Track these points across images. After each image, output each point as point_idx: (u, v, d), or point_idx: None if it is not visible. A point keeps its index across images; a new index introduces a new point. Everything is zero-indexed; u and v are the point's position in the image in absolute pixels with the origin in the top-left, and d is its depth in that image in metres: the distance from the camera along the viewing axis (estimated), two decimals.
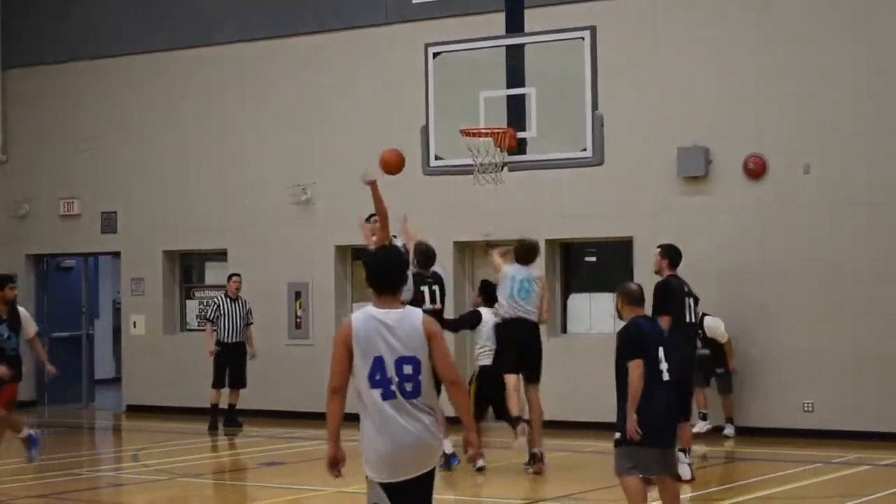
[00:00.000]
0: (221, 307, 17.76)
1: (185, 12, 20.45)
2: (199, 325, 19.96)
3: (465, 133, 13.21)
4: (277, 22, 19.50)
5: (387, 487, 6.28)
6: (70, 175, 21.38)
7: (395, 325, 6.30)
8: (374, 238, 12.79)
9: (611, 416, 9.10)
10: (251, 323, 17.90)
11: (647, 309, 9.53)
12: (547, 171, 14.99)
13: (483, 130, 13.24)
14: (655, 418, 8.86)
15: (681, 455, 11.74)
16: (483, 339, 13.39)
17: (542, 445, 13.20)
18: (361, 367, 6.26)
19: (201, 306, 20.24)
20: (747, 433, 15.81)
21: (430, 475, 6.38)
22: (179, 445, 16.53)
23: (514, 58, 13.57)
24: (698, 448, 13.79)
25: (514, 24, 14.46)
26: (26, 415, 20.54)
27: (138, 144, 20.77)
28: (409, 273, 12.61)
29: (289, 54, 19.36)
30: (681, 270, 12.57)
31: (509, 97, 13.39)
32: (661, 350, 9.02)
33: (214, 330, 17.71)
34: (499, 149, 13.24)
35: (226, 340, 17.67)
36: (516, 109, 13.36)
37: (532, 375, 13.30)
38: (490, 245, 15.04)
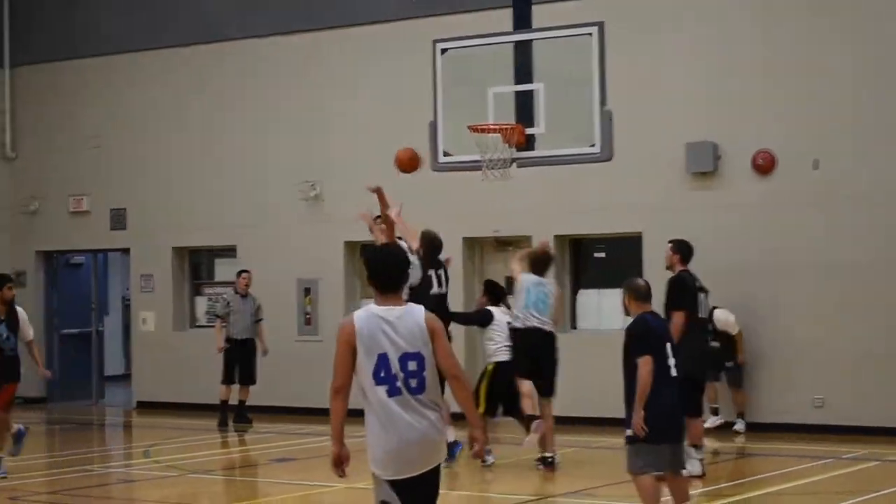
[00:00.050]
0: (231, 304, 17.79)
1: (192, 9, 20.46)
2: (208, 322, 19.98)
3: (474, 129, 13.27)
4: (286, 19, 19.50)
5: (394, 485, 6.28)
6: (79, 172, 21.41)
7: (397, 321, 6.30)
8: (383, 238, 12.81)
9: (620, 412, 9.10)
10: (261, 319, 17.92)
11: (655, 305, 9.51)
12: (555, 167, 15.03)
13: (491, 126, 13.30)
14: (663, 414, 8.87)
15: (691, 450, 11.76)
16: (498, 337, 13.35)
17: (555, 445, 13.22)
18: (366, 365, 6.26)
19: (210, 303, 20.27)
20: (758, 428, 15.80)
21: (436, 471, 6.38)
22: (190, 442, 16.55)
23: (523, 54, 13.62)
24: (709, 443, 13.77)
25: (522, 21, 14.53)
26: (36, 411, 20.68)
27: (147, 141, 20.78)
28: (415, 260, 12.70)
29: (297, 51, 19.36)
30: (690, 265, 12.56)
31: (517, 93, 13.47)
32: (668, 346, 9.04)
33: (224, 326, 17.74)
34: (507, 145, 13.31)
35: (235, 337, 17.69)
36: (524, 105, 13.43)
37: (546, 388, 13.21)
38: (498, 241, 15.06)
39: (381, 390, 6.23)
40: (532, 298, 13.16)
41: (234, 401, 17.76)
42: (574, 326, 17.43)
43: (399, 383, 6.23)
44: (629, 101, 15.36)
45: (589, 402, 15.88)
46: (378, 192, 13.01)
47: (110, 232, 21.19)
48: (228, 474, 14.47)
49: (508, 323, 13.38)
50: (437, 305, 12.72)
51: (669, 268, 12.48)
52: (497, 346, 13.33)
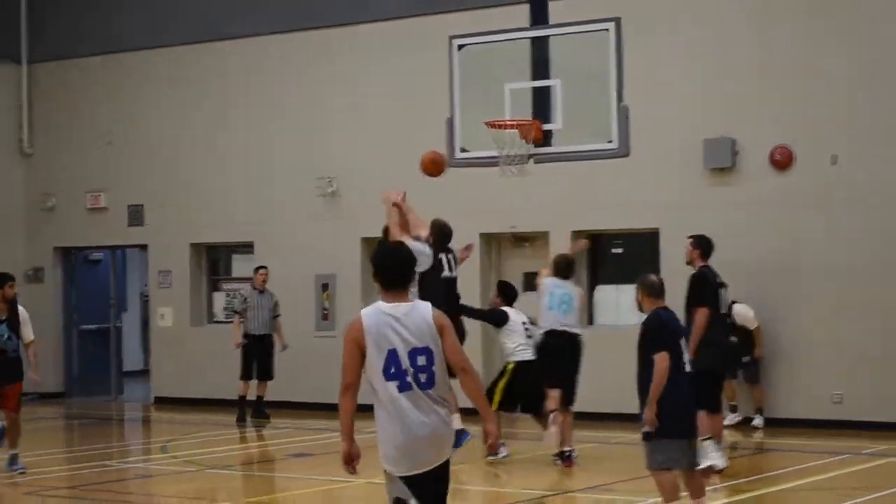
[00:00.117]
0: (249, 299, 17.83)
1: (209, 5, 20.52)
2: (226, 318, 20.03)
3: (491, 125, 13.23)
4: (303, 14, 19.53)
5: (406, 480, 6.32)
6: (96, 168, 21.49)
7: (405, 317, 6.33)
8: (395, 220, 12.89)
9: (638, 408, 9.10)
10: (278, 315, 17.96)
11: (676, 300, 9.52)
12: (573, 163, 14.96)
13: (508, 122, 13.26)
14: (677, 409, 8.90)
15: (710, 444, 11.79)
16: (517, 337, 13.37)
17: (573, 439, 13.25)
18: (376, 362, 6.29)
19: (228, 299, 20.32)
20: (776, 424, 15.80)
21: (446, 466, 6.42)
22: (208, 437, 16.58)
23: (539, 50, 13.59)
24: (727, 438, 13.78)
25: (539, 16, 14.47)
26: (55, 406, 20.79)
27: (164, 137, 20.85)
28: (426, 248, 12.76)
29: (314, 47, 19.39)
30: (709, 261, 12.54)
31: (534, 89, 13.43)
32: (681, 341, 9.09)
33: (242, 322, 17.78)
34: (524, 141, 13.27)
35: (253, 333, 17.74)
36: (542, 101, 13.39)
37: (567, 395, 13.23)
38: (515, 237, 15.05)
39: (392, 386, 6.26)
40: (556, 301, 13.19)
41: (251, 396, 17.81)
42: (591, 322, 17.43)
43: (409, 378, 6.27)
44: (646, 97, 15.32)
45: (607, 397, 15.86)
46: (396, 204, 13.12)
47: (128, 228, 21.27)
48: (246, 470, 14.51)
49: (523, 323, 13.37)
50: (448, 288, 12.82)
51: (689, 263, 12.47)
52: (516, 346, 13.36)
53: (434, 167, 13.03)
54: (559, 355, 13.18)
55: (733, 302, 14.70)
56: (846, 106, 15.78)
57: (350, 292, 18.79)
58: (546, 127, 13.31)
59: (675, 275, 15.11)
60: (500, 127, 13.27)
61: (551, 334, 13.21)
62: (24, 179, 22.21)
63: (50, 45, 22.01)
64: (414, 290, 7.37)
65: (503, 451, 12.99)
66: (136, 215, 21.17)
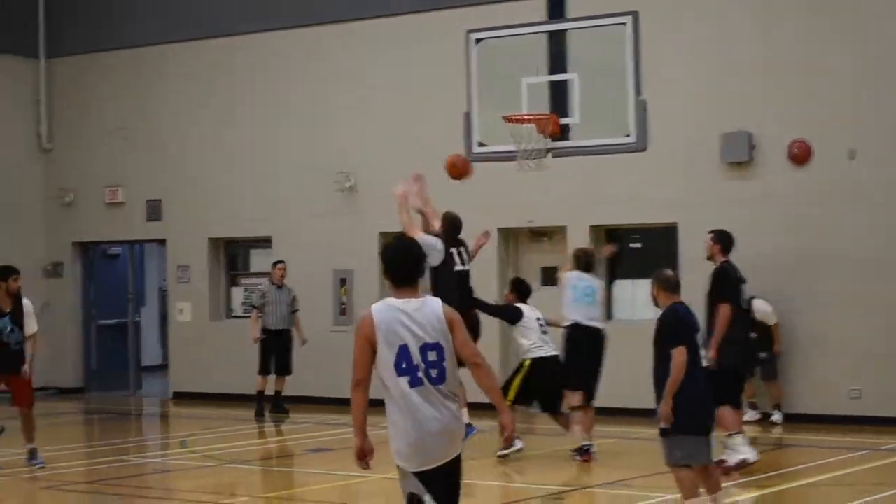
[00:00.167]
0: (267, 294, 17.87)
1: (225, 2, 20.56)
2: (244, 313, 20.09)
3: (509, 119, 13.28)
4: (320, 9, 19.58)
5: (418, 476, 6.33)
6: (114, 163, 21.55)
7: (415, 313, 6.35)
8: (406, 219, 13.01)
9: (654, 403, 9.10)
10: (297, 310, 18.01)
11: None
12: (590, 157, 15.04)
13: (526, 117, 13.31)
14: (694, 404, 8.91)
15: (739, 438, 11.84)
16: (532, 334, 13.35)
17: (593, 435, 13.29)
18: (387, 357, 6.30)
19: (246, 293, 20.36)
20: (795, 420, 15.80)
21: (458, 460, 6.45)
22: (226, 432, 16.66)
23: (557, 44, 13.63)
24: (746, 434, 13.73)
25: (557, 10, 14.51)
26: (74, 401, 20.88)
27: (183, 132, 20.90)
28: (438, 243, 12.84)
29: (333, 41, 19.42)
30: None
31: (552, 83, 13.47)
32: (697, 336, 9.10)
33: (260, 317, 17.82)
34: (542, 135, 13.32)
35: (271, 328, 17.79)
36: (559, 95, 13.44)
37: (589, 391, 13.28)
38: (533, 231, 15.07)
39: (403, 381, 6.28)
40: (580, 293, 13.22)
41: (270, 391, 17.86)
42: (609, 317, 17.39)
43: (420, 374, 6.28)
44: (664, 91, 15.33)
45: (624, 392, 15.83)
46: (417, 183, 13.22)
47: (146, 223, 21.34)
48: (265, 464, 14.53)
49: (538, 319, 13.39)
50: (460, 282, 12.87)
51: (710, 258, 12.42)
52: (531, 343, 13.33)
53: (454, 170, 13.08)
54: (582, 350, 13.20)
55: (752, 297, 14.66)
56: (866, 101, 15.73)
57: (367, 287, 18.80)
58: (563, 121, 13.36)
59: (693, 269, 15.14)
60: (517, 121, 13.33)
61: (576, 328, 13.23)
62: (43, 175, 22.28)
63: (67, 41, 22.08)
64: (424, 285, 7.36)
65: (518, 444, 13.01)
66: (154, 210, 21.23)
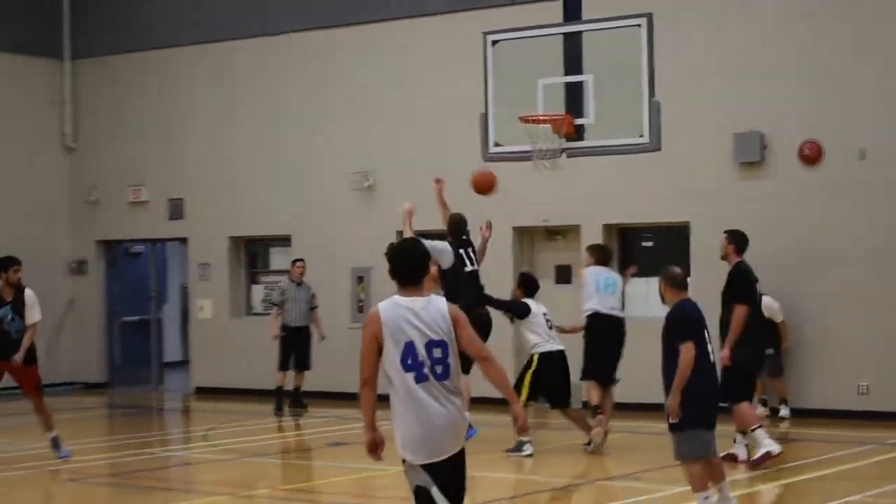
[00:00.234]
0: (286, 292, 18.03)
1: (252, 2, 20.74)
2: (264, 310, 20.26)
3: (524, 120, 13.42)
4: (341, 11, 19.73)
5: (426, 468, 6.48)
6: (137, 163, 21.77)
7: (421, 311, 6.49)
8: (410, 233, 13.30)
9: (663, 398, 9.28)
10: (315, 307, 18.18)
11: (696, 293, 9.63)
12: (604, 157, 15.18)
13: (542, 117, 13.44)
14: (702, 400, 9.01)
15: (759, 432, 11.97)
16: (539, 329, 13.44)
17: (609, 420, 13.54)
18: (393, 354, 6.44)
19: (266, 291, 20.52)
20: (802, 415, 15.90)
21: (462, 454, 6.60)
22: (247, 426, 16.79)
23: (572, 45, 13.74)
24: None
25: (572, 12, 14.62)
26: (97, 396, 21.11)
27: (204, 133, 21.10)
28: (446, 246, 13.08)
29: (349, 44, 19.59)
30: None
31: (567, 84, 13.58)
32: (705, 332, 9.17)
33: (279, 314, 17.98)
34: (557, 135, 13.46)
35: (291, 324, 17.95)
36: (574, 96, 13.56)
37: (607, 376, 13.57)
38: (548, 230, 15.20)
39: (409, 377, 6.42)
40: (602, 283, 13.47)
41: (289, 386, 18.02)
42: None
43: (426, 370, 6.42)
44: (677, 92, 15.48)
45: (636, 387, 15.99)
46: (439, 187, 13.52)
47: (168, 222, 21.54)
48: (285, 458, 14.69)
49: (544, 314, 13.53)
50: (471, 281, 13.07)
51: (724, 258, 12.46)
52: (539, 338, 13.40)
53: (481, 186, 13.30)
54: (601, 338, 13.41)
55: (760, 294, 14.79)
56: (876, 102, 15.84)
57: (385, 285, 18.86)
58: (578, 122, 13.50)
59: (705, 267, 15.38)
60: (533, 122, 13.45)
61: (596, 317, 13.44)
62: (68, 174, 22.52)
63: (92, 43, 22.28)
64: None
65: (527, 450, 13.07)
66: (176, 209, 21.43)
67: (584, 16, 14.51)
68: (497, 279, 14.84)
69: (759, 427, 12.10)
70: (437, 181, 13.86)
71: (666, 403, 9.02)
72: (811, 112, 16.13)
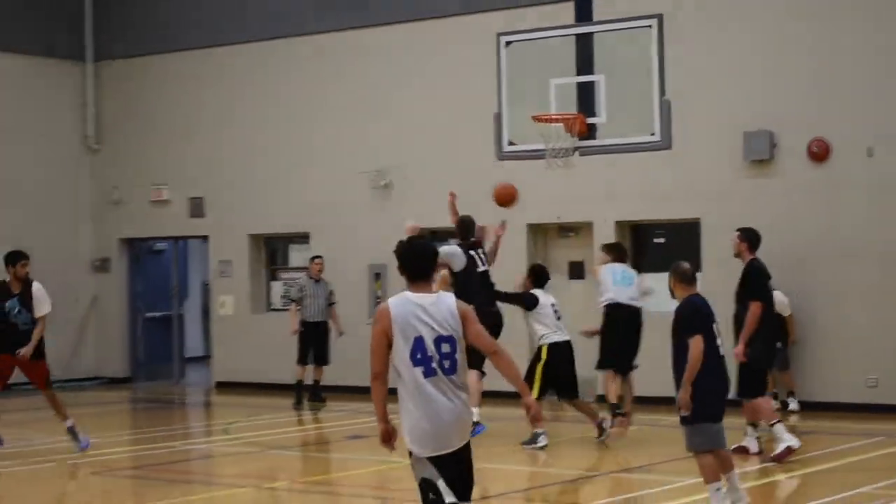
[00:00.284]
0: (305, 288, 18.18)
1: (271, 4, 20.92)
2: (283, 306, 20.41)
3: (537, 119, 13.56)
4: (355, 14, 19.90)
5: (433, 461, 6.65)
6: (159, 162, 21.99)
7: (430, 307, 6.65)
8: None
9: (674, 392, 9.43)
10: (334, 303, 18.33)
11: (706, 289, 9.78)
12: (616, 155, 15.32)
13: (554, 116, 13.57)
14: (711, 394, 9.13)
15: (778, 427, 12.11)
16: (547, 320, 13.52)
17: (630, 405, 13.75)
18: (402, 349, 6.57)
19: (285, 287, 20.66)
20: (811, 407, 16.04)
21: (468, 447, 6.77)
22: (267, 419, 16.94)
23: (584, 46, 13.86)
24: (762, 422, 14.03)
25: (584, 13, 14.78)
26: (120, 390, 21.34)
27: (224, 133, 21.28)
28: (457, 249, 13.35)
29: (365, 45, 19.76)
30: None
31: (579, 84, 13.70)
32: (714, 326, 9.27)
33: (298, 310, 18.14)
34: (570, 134, 13.61)
35: (309, 320, 18.09)
36: (586, 96, 13.68)
37: (625, 365, 13.81)
38: (561, 227, 15.34)
39: (418, 371, 6.57)
40: (619, 276, 13.73)
41: (308, 381, 18.16)
42: None
43: (434, 364, 6.57)
44: (688, 92, 15.60)
45: (647, 381, 16.18)
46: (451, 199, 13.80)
47: (189, 220, 21.73)
48: (304, 450, 14.85)
49: (552, 305, 13.62)
50: (483, 281, 13.32)
51: (737, 255, 12.53)
52: (547, 329, 13.47)
53: (502, 199, 13.56)
54: (619, 328, 13.61)
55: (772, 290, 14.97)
56: (884, 100, 15.96)
57: (401, 281, 18.92)
58: (590, 121, 13.62)
59: (715, 264, 15.57)
60: (545, 121, 13.58)
61: (614, 307, 13.64)
62: (91, 174, 22.73)
63: (114, 45, 22.48)
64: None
65: (542, 441, 13.17)
66: (197, 208, 21.63)
67: (596, 17, 14.63)
68: (511, 276, 15.00)
69: (779, 422, 12.20)
70: (452, 195, 14.18)
71: (677, 397, 9.12)
72: (819, 111, 16.24)
